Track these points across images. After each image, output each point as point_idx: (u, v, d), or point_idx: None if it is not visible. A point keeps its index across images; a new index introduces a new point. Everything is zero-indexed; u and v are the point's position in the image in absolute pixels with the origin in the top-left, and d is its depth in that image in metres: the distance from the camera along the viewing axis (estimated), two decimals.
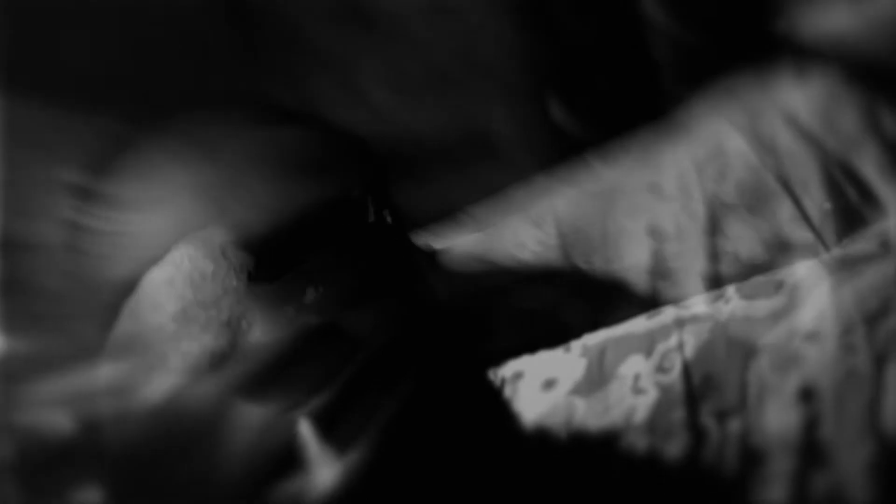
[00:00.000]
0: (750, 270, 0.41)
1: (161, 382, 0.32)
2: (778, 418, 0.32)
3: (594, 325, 0.42)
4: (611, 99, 0.78)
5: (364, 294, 0.33)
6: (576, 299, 0.43)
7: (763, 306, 0.36)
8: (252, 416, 0.31)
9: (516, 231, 0.47)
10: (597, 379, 0.39)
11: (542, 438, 0.37)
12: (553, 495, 0.35)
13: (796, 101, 0.46)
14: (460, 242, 0.50)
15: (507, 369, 0.40)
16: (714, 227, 0.43)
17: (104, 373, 0.32)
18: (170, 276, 0.32)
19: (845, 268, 0.36)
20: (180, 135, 0.35)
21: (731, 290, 0.39)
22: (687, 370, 0.36)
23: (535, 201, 0.49)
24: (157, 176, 0.34)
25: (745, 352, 0.35)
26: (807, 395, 0.32)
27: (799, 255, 0.41)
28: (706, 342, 0.37)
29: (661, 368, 0.37)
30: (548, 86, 0.88)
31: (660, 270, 0.43)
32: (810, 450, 0.30)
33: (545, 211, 0.47)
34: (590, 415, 0.37)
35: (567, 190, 0.48)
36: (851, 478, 0.29)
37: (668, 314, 0.39)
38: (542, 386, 0.40)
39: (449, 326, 0.40)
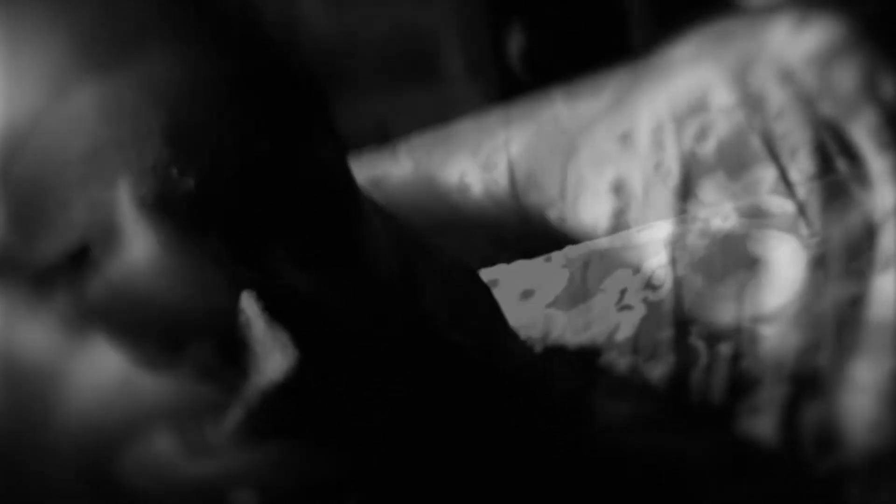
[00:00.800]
0: (718, 242, 0.37)
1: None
2: None
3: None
4: (576, 37, 0.71)
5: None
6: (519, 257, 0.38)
7: None
8: (106, 369, 0.23)
9: (462, 170, 0.40)
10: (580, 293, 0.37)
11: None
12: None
13: (792, 52, 0.40)
14: (395, 173, 0.44)
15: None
16: (686, 190, 0.38)
17: None
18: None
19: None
20: None
21: None
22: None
23: (485, 137, 0.42)
24: None
25: None
26: None
27: (776, 227, 0.37)
28: None
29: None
30: (508, 14, 0.80)
31: (619, 233, 0.37)
32: None
33: (497, 151, 0.40)
34: (569, 330, 0.37)
35: (524, 129, 0.41)
36: None
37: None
38: (519, 296, 0.37)
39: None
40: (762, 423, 0.34)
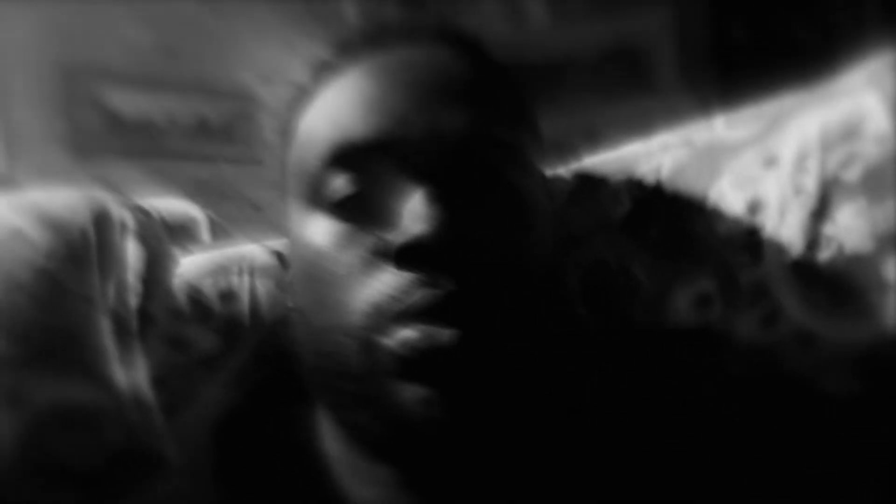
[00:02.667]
0: (851, 264, 0.39)
1: None
2: None
3: (663, 286, 0.43)
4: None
5: None
6: (654, 259, 0.44)
7: None
8: None
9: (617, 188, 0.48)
10: None
11: None
12: None
13: None
14: (561, 183, 0.52)
15: None
16: (823, 210, 0.40)
17: None
18: None
19: None
20: None
21: None
22: None
23: (643, 161, 0.49)
24: None
25: None
26: None
27: None
28: None
29: None
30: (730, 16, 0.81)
31: (750, 246, 0.42)
32: None
33: (649, 175, 0.47)
34: None
35: (678, 153, 0.47)
36: None
37: None
38: None
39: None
40: None
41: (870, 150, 0.40)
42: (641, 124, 0.56)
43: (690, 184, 0.45)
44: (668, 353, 0.43)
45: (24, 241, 0.52)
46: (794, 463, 0.36)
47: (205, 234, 0.70)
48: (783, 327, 0.41)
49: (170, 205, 0.70)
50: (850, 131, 0.41)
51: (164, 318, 0.53)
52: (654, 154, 0.48)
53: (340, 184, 0.34)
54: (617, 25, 0.79)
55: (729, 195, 0.44)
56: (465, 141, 0.34)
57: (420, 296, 0.31)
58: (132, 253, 0.55)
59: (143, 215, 0.60)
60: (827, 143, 0.41)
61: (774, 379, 0.41)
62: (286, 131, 0.41)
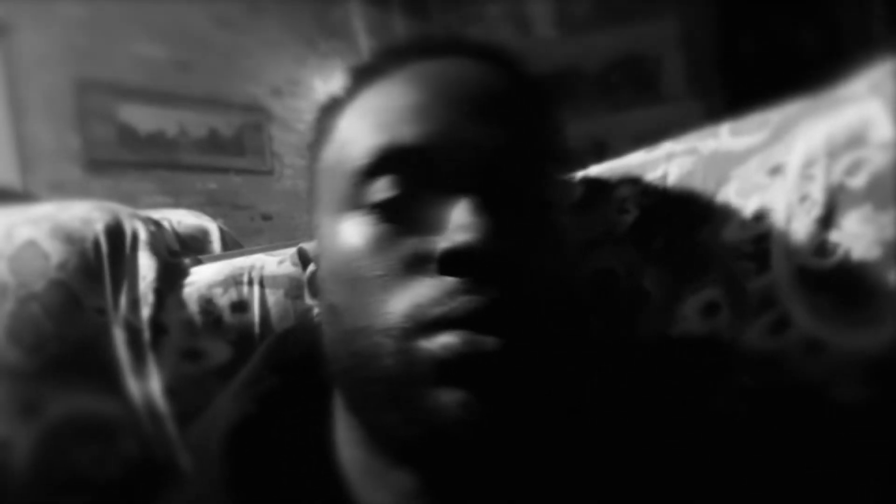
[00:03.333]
0: (858, 270, 0.39)
1: None
2: None
3: (670, 294, 0.43)
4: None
5: None
6: (661, 267, 0.44)
7: None
8: None
9: (624, 196, 0.48)
10: None
11: None
12: None
13: None
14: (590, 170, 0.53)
15: None
16: (829, 217, 0.41)
17: None
18: None
19: None
20: None
21: None
22: None
23: (649, 169, 0.49)
24: None
25: None
26: None
27: None
28: None
29: None
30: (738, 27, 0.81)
31: (756, 253, 0.42)
32: None
33: (655, 182, 0.48)
34: None
35: (683, 162, 0.47)
36: None
37: None
38: None
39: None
40: None
41: (875, 156, 0.40)
42: (648, 133, 0.56)
43: (697, 192, 0.46)
44: (675, 361, 0.43)
45: (37, 252, 0.53)
46: (803, 471, 0.36)
47: (216, 244, 0.71)
48: (791, 335, 0.41)
49: (182, 216, 0.71)
50: (855, 138, 0.41)
51: (177, 328, 0.54)
52: (661, 162, 0.49)
53: (383, 186, 0.35)
54: (624, 35, 0.80)
55: (735, 203, 0.44)
56: (507, 154, 0.35)
57: (463, 302, 0.31)
58: (144, 264, 0.55)
59: (155, 227, 0.60)
60: (832, 151, 0.41)
61: (784, 388, 0.41)
62: (321, 130, 0.42)
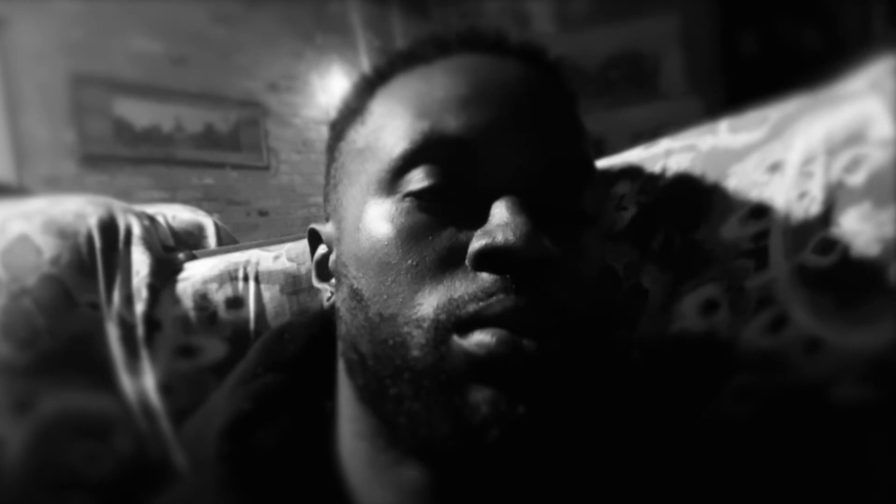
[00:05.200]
0: (857, 268, 0.39)
1: None
2: None
3: (669, 291, 0.43)
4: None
5: None
6: (660, 264, 0.44)
7: None
8: None
9: (622, 194, 0.48)
10: None
11: None
12: None
13: None
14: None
15: None
16: (828, 214, 0.40)
17: None
18: None
19: None
20: None
21: None
22: None
23: (647, 166, 0.49)
24: None
25: None
26: None
27: None
28: None
29: None
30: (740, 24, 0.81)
31: (755, 251, 0.42)
32: None
33: (653, 179, 0.47)
34: None
35: (682, 158, 0.47)
36: None
37: None
38: None
39: None
40: None
41: (874, 154, 0.40)
42: (646, 129, 0.56)
43: (695, 189, 0.45)
44: (674, 359, 0.43)
45: (30, 247, 0.53)
46: (803, 471, 0.36)
47: (212, 239, 0.70)
48: (790, 333, 0.41)
49: (177, 211, 0.71)
50: (854, 135, 0.41)
51: (171, 324, 0.53)
52: (659, 159, 0.48)
53: (421, 175, 0.34)
54: (623, 31, 0.79)
55: (734, 200, 0.44)
56: (549, 161, 0.35)
57: (500, 300, 0.31)
58: (138, 259, 0.55)
59: (149, 221, 0.60)
60: (831, 148, 0.41)
61: (783, 386, 0.41)
62: (350, 110, 0.41)
